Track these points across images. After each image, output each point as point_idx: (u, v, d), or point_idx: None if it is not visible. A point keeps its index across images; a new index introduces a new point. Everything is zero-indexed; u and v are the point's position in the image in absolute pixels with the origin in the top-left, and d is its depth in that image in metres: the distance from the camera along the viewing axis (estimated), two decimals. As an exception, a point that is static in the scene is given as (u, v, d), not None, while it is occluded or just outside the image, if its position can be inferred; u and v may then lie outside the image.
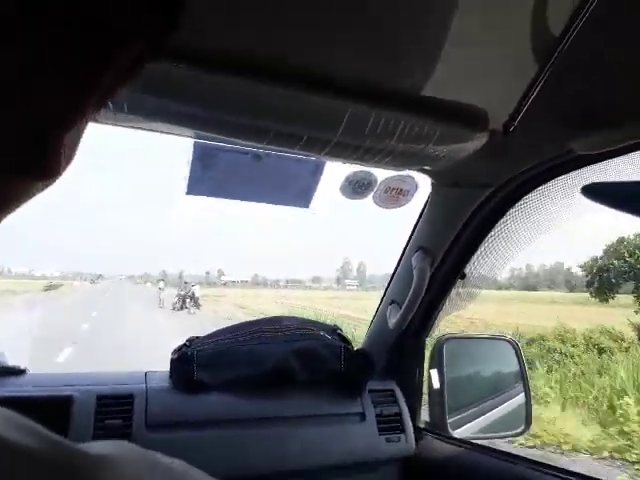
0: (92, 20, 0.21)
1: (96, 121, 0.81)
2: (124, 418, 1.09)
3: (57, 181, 0.25)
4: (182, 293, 25.07)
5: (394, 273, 1.47)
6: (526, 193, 1.19)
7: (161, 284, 30.77)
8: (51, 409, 1.05)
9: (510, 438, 1.73)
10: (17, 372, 1.15)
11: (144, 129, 0.87)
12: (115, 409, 1.10)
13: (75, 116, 0.23)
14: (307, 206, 1.18)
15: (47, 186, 0.25)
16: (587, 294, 22.42)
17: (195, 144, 0.96)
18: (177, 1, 0.24)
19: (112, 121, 0.81)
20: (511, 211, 1.23)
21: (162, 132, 0.90)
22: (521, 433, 1.58)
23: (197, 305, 23.57)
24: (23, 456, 0.20)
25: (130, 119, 0.82)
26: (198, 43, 0.75)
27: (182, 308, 23.68)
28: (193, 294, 24.01)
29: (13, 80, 0.20)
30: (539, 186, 1.17)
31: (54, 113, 0.22)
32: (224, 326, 1.36)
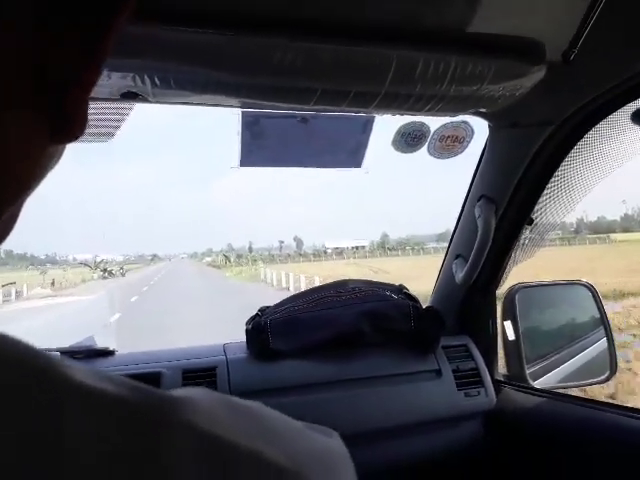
0: None
1: (147, 101, 0.82)
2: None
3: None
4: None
5: (457, 226, 1.42)
6: (593, 125, 1.11)
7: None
8: None
9: (594, 385, 1.66)
10: (106, 353, 1.22)
11: (192, 103, 0.88)
12: (200, 382, 1.15)
13: (94, 75, 0.25)
14: (359, 165, 1.16)
15: (63, 150, 0.28)
16: None
17: (243, 114, 0.96)
18: None
19: (161, 98, 0.82)
20: (578, 147, 1.16)
21: (209, 105, 0.90)
22: (606, 379, 1.52)
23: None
24: (107, 400, 0.21)
25: (178, 94, 0.82)
26: (234, 8, 0.74)
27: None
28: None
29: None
30: (607, 116, 1.08)
31: (77, 74, 0.24)
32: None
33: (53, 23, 0.22)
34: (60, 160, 0.28)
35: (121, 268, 53.19)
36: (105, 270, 50.10)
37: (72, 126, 0.25)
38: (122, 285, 31.06)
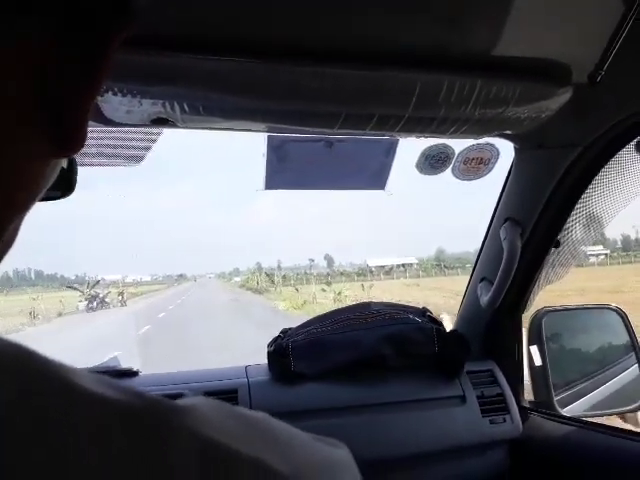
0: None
1: (176, 127, 0.84)
2: None
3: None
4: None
5: (482, 248, 1.41)
6: (620, 148, 1.10)
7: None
8: None
9: (626, 413, 1.61)
10: (130, 374, 1.23)
11: (220, 128, 0.89)
12: None
13: (91, 96, 0.26)
14: (383, 188, 1.16)
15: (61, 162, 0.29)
16: None
17: (268, 137, 0.97)
18: None
19: (190, 124, 0.84)
20: (604, 169, 1.14)
21: (236, 130, 0.92)
22: (638, 408, 1.47)
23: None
24: (112, 406, 0.22)
25: (206, 120, 0.84)
26: (260, 36, 0.76)
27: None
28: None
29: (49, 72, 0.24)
30: (634, 139, 1.07)
31: (81, 96, 0.25)
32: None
33: (55, 41, 0.24)
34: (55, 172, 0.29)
35: (120, 293, 32.65)
36: (94, 297, 29.87)
37: (71, 143, 0.26)
38: (85, 333, 15.68)
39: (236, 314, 19.37)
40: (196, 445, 0.22)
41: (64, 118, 0.25)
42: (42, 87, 0.24)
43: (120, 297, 31.68)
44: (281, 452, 0.26)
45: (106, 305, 29.38)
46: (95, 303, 29.01)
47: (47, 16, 0.23)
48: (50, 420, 0.20)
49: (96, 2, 0.25)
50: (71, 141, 0.26)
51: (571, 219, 1.21)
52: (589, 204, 1.19)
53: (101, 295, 30.66)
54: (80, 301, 30.24)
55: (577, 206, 1.18)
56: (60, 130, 0.25)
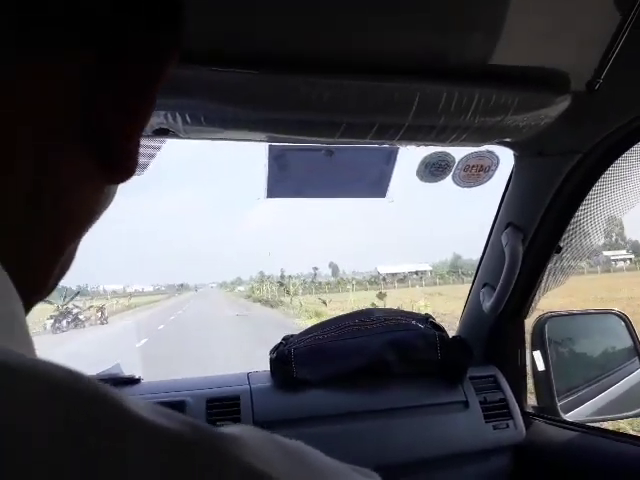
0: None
1: (178, 137, 0.85)
2: (233, 419, 1.14)
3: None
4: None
5: (483, 254, 1.41)
6: (620, 154, 1.10)
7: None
8: None
9: (631, 419, 1.60)
10: (132, 381, 1.23)
11: (221, 139, 0.90)
12: (224, 410, 1.15)
13: (138, 124, 0.27)
14: (384, 195, 1.17)
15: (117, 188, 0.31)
16: None
17: (270, 147, 0.98)
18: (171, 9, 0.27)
19: (192, 134, 0.85)
20: (604, 175, 1.14)
21: (237, 140, 0.93)
22: (642, 413, 1.46)
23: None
24: (163, 435, 0.21)
25: (208, 131, 0.85)
26: (261, 47, 0.77)
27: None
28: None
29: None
30: (633, 145, 1.07)
31: (126, 123, 0.26)
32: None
33: (101, 72, 0.25)
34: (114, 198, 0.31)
35: (100, 309, 25.99)
36: (65, 314, 23.44)
37: (122, 171, 0.27)
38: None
39: (248, 338, 13.22)
40: (238, 472, 0.22)
41: (111, 148, 0.26)
42: (89, 114, 0.25)
43: (99, 314, 25.26)
44: None
45: (80, 323, 23.46)
46: (65, 322, 22.79)
47: (93, 44, 0.24)
48: (107, 447, 0.19)
49: (147, 39, 0.26)
50: (122, 169, 0.27)
51: (572, 225, 1.21)
52: (589, 210, 1.19)
53: (75, 311, 24.46)
54: (48, 318, 23.23)
55: (577, 212, 1.19)
56: (109, 159, 0.26)
